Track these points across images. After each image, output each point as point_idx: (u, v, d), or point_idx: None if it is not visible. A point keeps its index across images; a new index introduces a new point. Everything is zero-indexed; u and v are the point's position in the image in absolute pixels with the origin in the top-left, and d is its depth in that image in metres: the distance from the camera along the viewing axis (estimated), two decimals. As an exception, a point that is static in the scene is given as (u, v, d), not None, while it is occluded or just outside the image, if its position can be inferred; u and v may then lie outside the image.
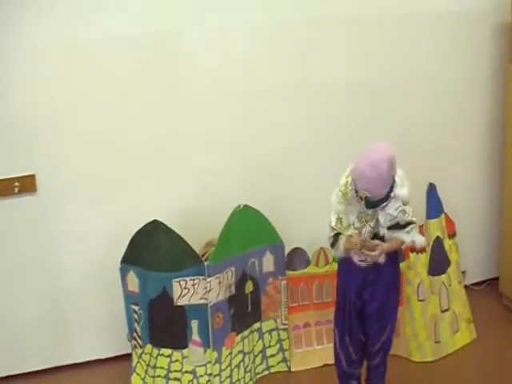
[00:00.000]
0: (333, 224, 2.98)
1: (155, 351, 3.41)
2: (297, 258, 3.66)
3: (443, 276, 3.76)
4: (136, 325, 3.43)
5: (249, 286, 3.52)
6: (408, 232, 2.94)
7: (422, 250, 3.60)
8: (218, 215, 3.39)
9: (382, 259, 2.96)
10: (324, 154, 3.86)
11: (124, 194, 3.58)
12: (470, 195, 4.33)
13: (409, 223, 2.93)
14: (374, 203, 2.82)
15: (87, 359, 3.73)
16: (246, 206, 3.46)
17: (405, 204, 2.89)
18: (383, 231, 2.91)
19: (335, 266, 3.67)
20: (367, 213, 2.89)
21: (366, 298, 3.06)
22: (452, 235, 3.86)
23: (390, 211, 2.87)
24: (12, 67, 3.29)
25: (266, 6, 3.62)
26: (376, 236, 2.92)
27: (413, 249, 3.49)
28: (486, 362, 3.74)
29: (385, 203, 2.83)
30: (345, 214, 2.94)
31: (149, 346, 3.43)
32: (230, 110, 3.68)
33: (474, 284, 4.40)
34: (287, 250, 3.62)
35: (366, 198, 2.78)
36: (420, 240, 3.00)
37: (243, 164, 3.75)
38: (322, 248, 3.67)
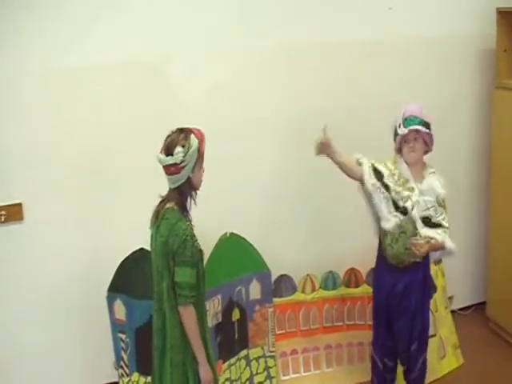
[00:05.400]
0: None
1: (142, 379, 3.40)
2: (283, 285, 3.68)
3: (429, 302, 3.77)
4: (123, 353, 3.43)
5: (236, 314, 3.53)
6: (439, 234, 3.19)
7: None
8: (204, 243, 3.38)
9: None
10: (312, 182, 3.88)
11: (110, 222, 3.58)
12: (456, 221, 4.33)
13: (440, 226, 3.20)
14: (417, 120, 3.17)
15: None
16: (232, 233, 3.47)
17: (439, 204, 3.23)
18: (411, 204, 3.18)
19: (322, 293, 3.72)
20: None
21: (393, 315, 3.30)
22: (437, 261, 3.87)
23: (425, 197, 3.19)
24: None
25: (250, 33, 3.68)
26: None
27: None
28: (474, 388, 3.75)
29: (428, 129, 3.19)
30: None
31: (136, 374, 3.42)
32: (217, 136, 3.66)
33: (460, 309, 4.43)
34: (274, 277, 3.63)
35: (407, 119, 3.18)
36: (450, 244, 3.21)
37: (230, 191, 3.76)
38: (308, 275, 3.69)
